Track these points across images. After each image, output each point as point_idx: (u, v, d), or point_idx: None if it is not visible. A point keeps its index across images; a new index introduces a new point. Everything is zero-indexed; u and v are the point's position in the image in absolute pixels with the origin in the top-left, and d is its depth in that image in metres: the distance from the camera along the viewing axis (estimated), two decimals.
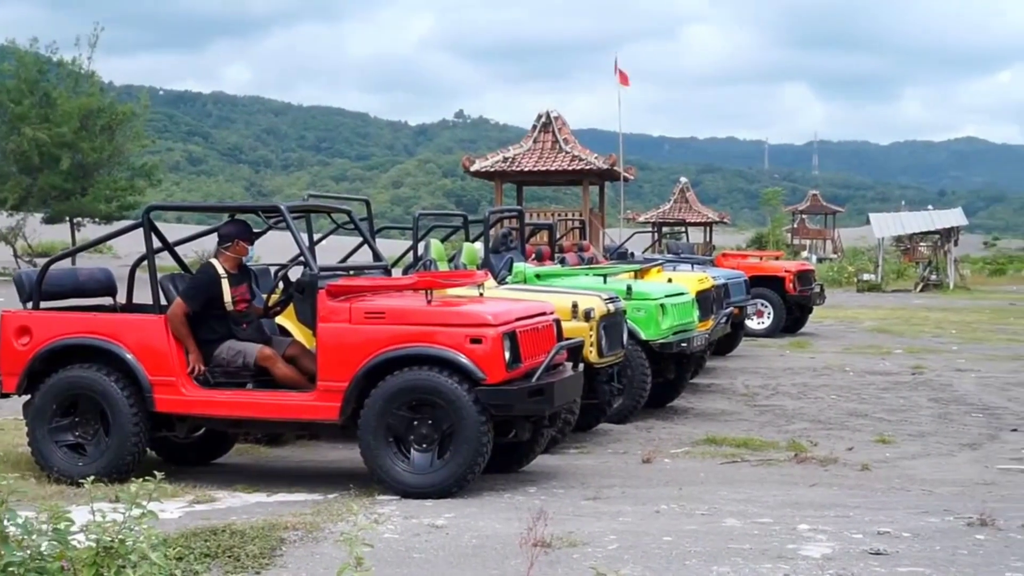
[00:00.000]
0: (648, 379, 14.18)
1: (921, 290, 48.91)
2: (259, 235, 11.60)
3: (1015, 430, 14.23)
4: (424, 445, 9.79)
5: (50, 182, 51.35)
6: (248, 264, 11.36)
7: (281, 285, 11.11)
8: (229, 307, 10.51)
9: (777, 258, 31.18)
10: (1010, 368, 20.53)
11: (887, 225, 54.98)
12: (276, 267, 11.99)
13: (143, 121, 56.85)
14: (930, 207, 69.75)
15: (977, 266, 71.92)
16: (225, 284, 10.47)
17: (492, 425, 9.73)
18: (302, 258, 10.74)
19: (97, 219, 54.02)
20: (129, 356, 10.36)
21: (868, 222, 58.68)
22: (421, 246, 14.49)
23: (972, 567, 7.39)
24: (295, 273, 11.14)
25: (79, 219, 54.45)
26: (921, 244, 56.94)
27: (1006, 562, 7.50)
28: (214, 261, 10.62)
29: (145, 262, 10.89)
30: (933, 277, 50.69)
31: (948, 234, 51.99)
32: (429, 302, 10.06)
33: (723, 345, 21.40)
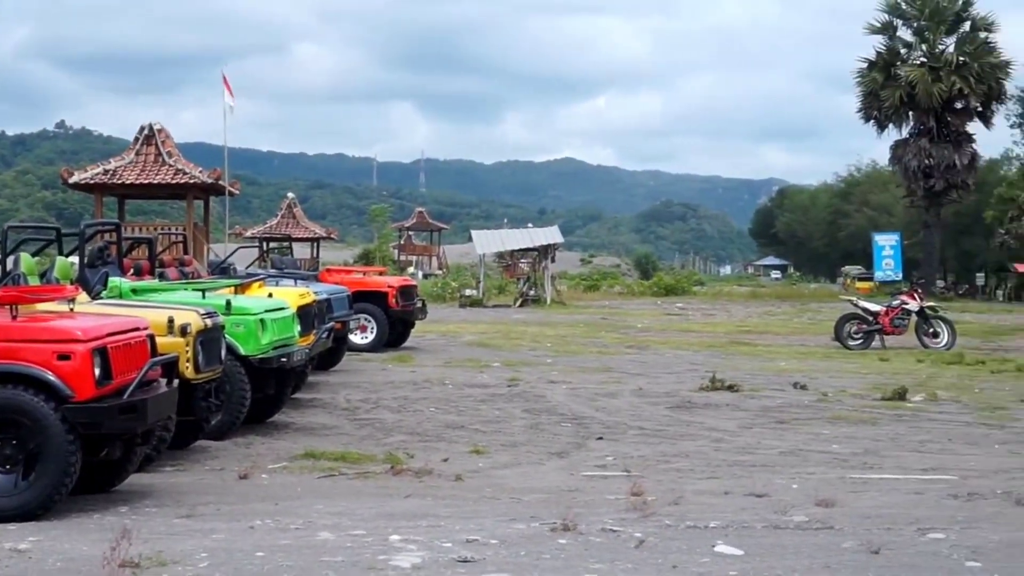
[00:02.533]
0: (247, 394, 14.09)
1: (520, 305, 50.64)
2: None
3: (600, 438, 14.94)
4: (7, 466, 9.39)
5: None
6: None
7: None
8: None
9: (381, 273, 31.61)
10: (599, 380, 21.54)
11: (488, 242, 56.69)
12: None
13: None
14: (530, 225, 72.33)
15: (573, 282, 75.18)
16: None
17: (81, 444, 9.43)
18: None
19: None
20: None
21: (471, 239, 60.31)
22: (10, 260, 13.87)
23: (553, 570, 7.73)
24: None
25: None
26: (521, 260, 58.98)
27: (585, 564, 7.88)
28: None
29: None
30: (532, 292, 52.61)
31: (546, 251, 54.09)
32: (14, 317, 9.65)
33: (326, 360, 21.48)
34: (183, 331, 11.97)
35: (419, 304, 28.01)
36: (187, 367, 11.87)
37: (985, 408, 18.23)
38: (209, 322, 12.62)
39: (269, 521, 9.39)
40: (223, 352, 13.06)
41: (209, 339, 12.48)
